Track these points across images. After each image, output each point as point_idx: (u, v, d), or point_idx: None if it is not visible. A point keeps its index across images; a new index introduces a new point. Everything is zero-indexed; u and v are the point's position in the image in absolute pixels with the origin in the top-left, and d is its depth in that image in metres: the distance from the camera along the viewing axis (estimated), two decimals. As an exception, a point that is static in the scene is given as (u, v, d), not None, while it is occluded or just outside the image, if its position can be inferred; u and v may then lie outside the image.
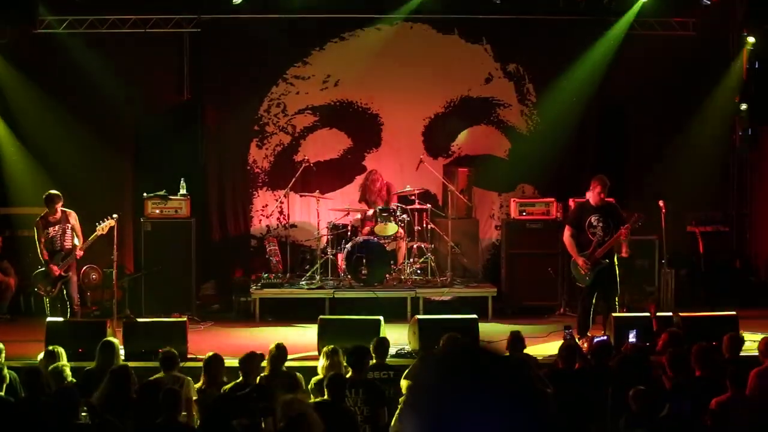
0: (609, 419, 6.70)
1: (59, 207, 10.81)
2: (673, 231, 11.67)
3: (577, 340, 9.48)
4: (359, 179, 13.81)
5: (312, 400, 6.90)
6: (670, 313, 10.03)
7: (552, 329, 11.08)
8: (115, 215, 10.69)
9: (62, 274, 10.77)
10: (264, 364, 7.75)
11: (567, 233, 10.33)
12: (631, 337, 9.44)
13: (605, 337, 9.45)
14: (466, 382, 1.52)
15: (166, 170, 13.06)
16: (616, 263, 10.28)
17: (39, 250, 10.89)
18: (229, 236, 13.96)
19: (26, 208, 12.56)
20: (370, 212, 12.78)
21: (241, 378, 7.43)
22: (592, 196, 10.21)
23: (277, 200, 13.66)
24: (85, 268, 12.07)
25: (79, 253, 10.87)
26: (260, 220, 14.03)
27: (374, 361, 7.94)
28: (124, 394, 7.00)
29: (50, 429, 6.37)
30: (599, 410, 6.55)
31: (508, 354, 7.96)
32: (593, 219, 10.14)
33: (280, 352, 7.88)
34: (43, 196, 10.91)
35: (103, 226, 10.64)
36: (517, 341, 8.25)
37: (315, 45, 13.94)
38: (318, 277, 12.55)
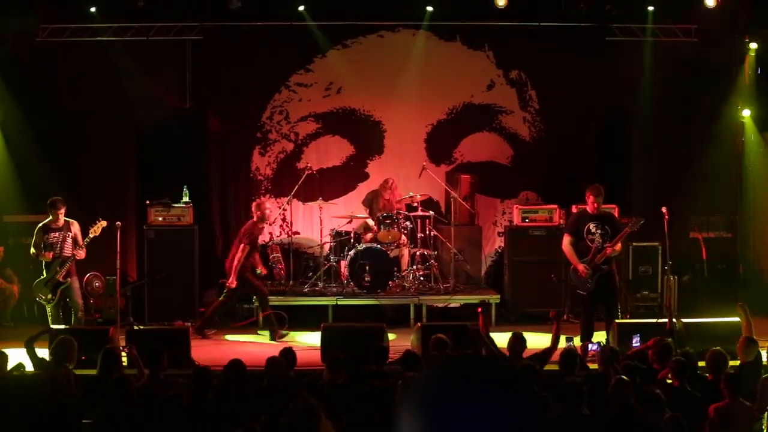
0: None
1: (62, 213, 10.77)
2: (676, 237, 11.64)
3: (578, 346, 9.51)
4: (362, 186, 13.82)
5: None
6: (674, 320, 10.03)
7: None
8: (118, 223, 10.72)
9: (61, 280, 10.74)
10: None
11: (566, 241, 10.33)
12: (635, 342, 9.45)
13: (597, 344, 9.44)
14: (467, 385, 1.55)
15: (169, 178, 13.08)
16: (616, 270, 10.32)
17: (36, 253, 10.79)
18: (231, 244, 13.94)
19: (30, 216, 12.55)
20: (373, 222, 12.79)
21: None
22: (588, 205, 10.26)
23: (280, 207, 13.66)
24: (88, 275, 12.08)
25: (79, 253, 10.75)
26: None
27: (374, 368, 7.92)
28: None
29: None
30: (600, 417, 6.53)
31: (508, 354, 8.06)
32: (591, 226, 10.17)
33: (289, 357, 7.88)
34: (48, 202, 10.86)
35: (95, 228, 10.69)
36: (517, 342, 8.31)
37: (317, 52, 13.96)
38: (321, 284, 12.55)
